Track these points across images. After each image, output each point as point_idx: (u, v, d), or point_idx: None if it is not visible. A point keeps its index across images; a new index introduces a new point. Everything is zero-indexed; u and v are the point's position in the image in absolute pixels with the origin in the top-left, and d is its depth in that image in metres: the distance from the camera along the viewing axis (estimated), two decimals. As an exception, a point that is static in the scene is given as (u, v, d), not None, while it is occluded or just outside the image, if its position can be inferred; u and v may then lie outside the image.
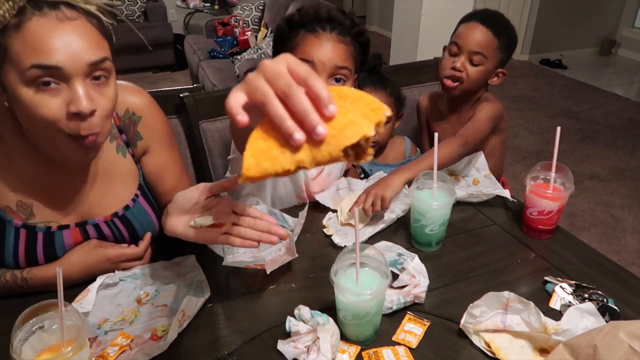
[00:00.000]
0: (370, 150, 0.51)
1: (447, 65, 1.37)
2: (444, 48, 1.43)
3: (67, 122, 0.73)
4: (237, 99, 0.51)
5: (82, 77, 0.73)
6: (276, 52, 1.13)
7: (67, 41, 0.71)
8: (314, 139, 0.49)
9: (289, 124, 0.48)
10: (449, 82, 1.37)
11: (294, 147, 0.49)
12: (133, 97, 0.96)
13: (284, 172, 0.50)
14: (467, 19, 1.39)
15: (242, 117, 0.51)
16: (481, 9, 1.44)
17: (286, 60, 0.51)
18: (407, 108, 1.58)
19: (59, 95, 0.72)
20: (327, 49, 1.02)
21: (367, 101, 0.51)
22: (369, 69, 1.50)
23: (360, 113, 0.51)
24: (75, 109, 0.72)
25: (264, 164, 0.49)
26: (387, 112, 0.50)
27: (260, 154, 0.50)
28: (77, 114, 0.73)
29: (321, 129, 0.48)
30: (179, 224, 0.79)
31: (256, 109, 0.51)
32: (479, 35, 1.33)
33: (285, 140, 0.49)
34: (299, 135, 0.48)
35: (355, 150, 0.50)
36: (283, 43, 1.08)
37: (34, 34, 0.69)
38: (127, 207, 0.97)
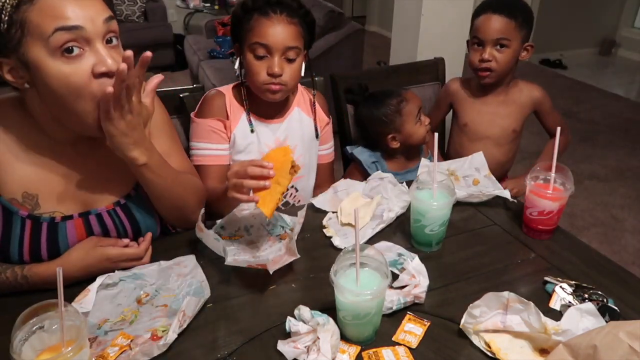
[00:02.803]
0: (297, 167, 0.94)
1: (476, 57, 1.45)
2: (467, 43, 1.50)
3: (97, 83, 0.78)
4: (240, 193, 0.95)
5: (101, 39, 0.79)
6: (234, 35, 1.24)
7: (82, 4, 0.76)
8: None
9: (261, 184, 0.92)
10: (481, 73, 1.45)
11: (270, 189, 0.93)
12: None
13: (279, 200, 0.93)
14: (479, 12, 1.44)
15: (256, 198, 0.93)
16: None
17: (239, 165, 0.96)
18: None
19: (83, 60, 0.78)
20: (279, 30, 1.15)
21: (279, 149, 0.98)
22: (362, 99, 1.55)
23: (282, 152, 0.96)
24: (105, 68, 0.78)
25: (271, 206, 0.92)
26: (291, 152, 0.95)
27: (268, 204, 0.92)
28: (105, 74, 0.78)
29: (271, 172, 0.92)
30: None
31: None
32: (495, 24, 1.39)
33: (270, 190, 0.93)
34: (266, 183, 0.92)
35: (293, 170, 0.93)
36: (240, 27, 1.20)
37: (49, 2, 0.74)
38: (128, 196, 0.98)
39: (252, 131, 1.28)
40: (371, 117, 1.49)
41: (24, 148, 0.88)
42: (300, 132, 1.35)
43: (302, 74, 1.25)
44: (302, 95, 1.38)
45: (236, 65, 1.27)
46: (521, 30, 1.41)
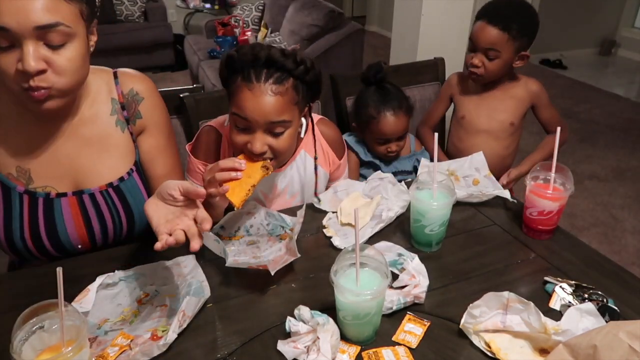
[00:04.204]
0: (270, 168, 1.00)
1: (468, 60, 1.48)
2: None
3: (17, 77, 0.78)
4: (213, 187, 0.92)
5: (33, 39, 0.77)
6: (223, 83, 1.07)
7: (17, 4, 0.74)
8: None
9: (232, 175, 0.93)
10: (471, 76, 1.49)
11: (241, 180, 0.95)
12: (139, 82, 1.04)
13: (249, 191, 0.95)
14: (478, 16, 1.45)
15: (225, 187, 0.92)
16: (491, 2, 1.48)
17: (211, 168, 0.96)
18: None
19: (11, 52, 0.78)
20: (261, 104, 0.97)
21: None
22: (372, 83, 1.51)
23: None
24: (22, 67, 0.77)
25: (241, 195, 0.94)
26: (267, 164, 1.00)
27: (237, 194, 0.94)
28: (24, 72, 0.77)
29: (243, 165, 0.95)
30: (150, 203, 0.84)
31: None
32: (487, 34, 1.41)
33: (240, 181, 0.95)
34: (237, 174, 0.94)
35: (265, 168, 0.99)
36: (226, 83, 1.04)
37: None
38: (122, 179, 1.00)
39: None
40: (356, 103, 1.55)
41: (14, 123, 0.90)
42: (301, 181, 1.22)
43: (302, 135, 1.11)
44: (310, 134, 1.21)
45: (226, 122, 1.11)
46: (515, 42, 1.40)
